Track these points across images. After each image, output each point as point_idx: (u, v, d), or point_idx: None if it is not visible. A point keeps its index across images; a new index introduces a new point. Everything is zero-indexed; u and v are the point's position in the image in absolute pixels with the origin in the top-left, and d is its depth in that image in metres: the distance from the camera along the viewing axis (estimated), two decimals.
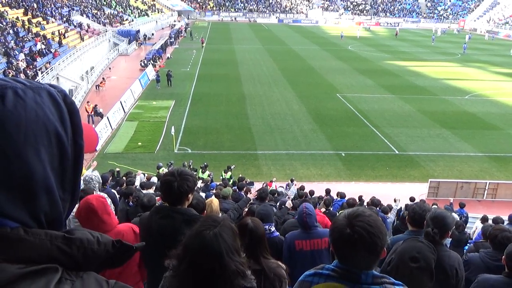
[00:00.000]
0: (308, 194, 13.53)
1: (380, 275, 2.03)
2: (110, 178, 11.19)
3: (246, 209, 7.60)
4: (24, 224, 0.85)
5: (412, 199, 14.24)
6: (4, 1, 39.62)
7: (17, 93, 0.84)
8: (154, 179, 13.47)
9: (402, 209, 12.65)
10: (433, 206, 10.37)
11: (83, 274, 0.89)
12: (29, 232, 0.84)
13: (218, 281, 1.87)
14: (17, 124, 0.82)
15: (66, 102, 0.92)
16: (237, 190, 11.59)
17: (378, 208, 11.09)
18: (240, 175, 16.28)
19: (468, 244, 9.24)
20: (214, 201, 5.07)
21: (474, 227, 12.29)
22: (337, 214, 10.02)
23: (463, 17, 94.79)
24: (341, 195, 13.57)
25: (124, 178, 12.35)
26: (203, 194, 12.72)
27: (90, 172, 9.14)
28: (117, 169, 15.96)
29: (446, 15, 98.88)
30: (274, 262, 3.01)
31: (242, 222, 3.19)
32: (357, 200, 12.51)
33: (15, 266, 0.79)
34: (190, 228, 2.05)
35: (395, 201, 13.34)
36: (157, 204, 5.55)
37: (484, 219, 11.54)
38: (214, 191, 12.68)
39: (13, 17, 36.86)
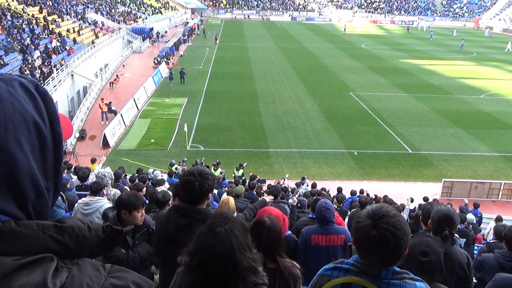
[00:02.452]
0: (323, 192, 13.56)
1: (400, 270, 2.03)
2: (123, 175, 11.30)
3: None
4: (13, 216, 0.85)
5: (425, 198, 14.13)
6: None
7: None
8: (165, 176, 13.55)
9: (416, 209, 12.57)
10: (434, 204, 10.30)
11: (78, 261, 0.89)
12: (21, 224, 0.84)
13: (230, 278, 1.87)
14: None
15: (39, 92, 0.92)
16: (249, 189, 11.59)
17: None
18: (251, 173, 16.29)
19: (481, 244, 9.15)
20: (231, 200, 5.07)
21: (488, 228, 12.14)
22: (348, 212, 9.98)
23: (479, 15, 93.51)
24: (352, 193, 13.56)
25: (136, 174, 12.45)
26: (215, 191, 12.80)
27: (102, 169, 9.23)
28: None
29: (462, 13, 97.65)
30: (289, 261, 3.01)
31: (259, 219, 3.18)
32: (369, 198, 12.46)
33: (10, 258, 0.79)
34: None
35: (409, 200, 13.22)
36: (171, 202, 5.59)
37: (498, 220, 11.40)
38: (226, 188, 12.72)
39: (29, 15, 37.30)
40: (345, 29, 72.36)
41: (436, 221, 3.59)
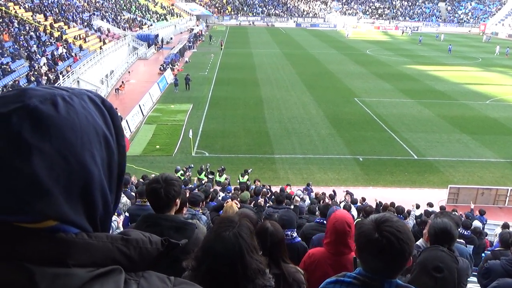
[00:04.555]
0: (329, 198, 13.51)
1: (404, 284, 1.97)
2: (131, 181, 11.31)
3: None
4: (82, 229, 0.86)
5: (430, 204, 14.03)
6: (27, 7, 40.50)
7: (65, 100, 0.85)
8: None
9: (422, 215, 12.50)
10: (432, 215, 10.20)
11: (143, 273, 0.91)
12: (92, 236, 0.85)
13: (240, 281, 1.88)
14: (73, 129, 0.83)
15: (105, 105, 0.93)
16: (254, 195, 11.59)
17: (400, 216, 10.96)
18: (256, 180, 16.26)
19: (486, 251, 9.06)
20: (234, 205, 5.07)
21: (495, 234, 12.04)
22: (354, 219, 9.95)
23: (484, 21, 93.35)
24: (353, 201, 13.50)
25: (141, 180, 12.48)
26: (222, 194, 12.79)
27: None
28: None
29: (467, 19, 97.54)
30: (293, 266, 3.00)
31: (261, 226, 3.18)
32: (374, 207, 12.40)
33: (84, 270, 0.80)
34: (179, 235, 2.05)
35: (414, 206, 13.14)
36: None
37: (505, 226, 11.31)
38: (230, 194, 12.72)
39: (36, 22, 37.60)
40: (347, 35, 73.90)
41: (432, 235, 3.49)
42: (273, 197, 12.25)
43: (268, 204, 10.22)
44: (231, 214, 4.67)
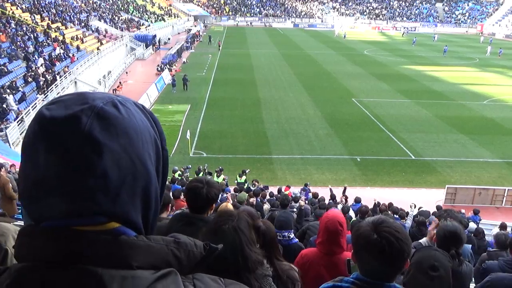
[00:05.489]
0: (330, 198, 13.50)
1: None
2: None
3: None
4: (139, 230, 0.87)
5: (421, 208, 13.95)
6: (24, 7, 40.42)
7: (121, 103, 0.87)
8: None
9: (419, 216, 12.49)
10: (431, 216, 10.14)
11: (194, 275, 0.92)
12: (151, 238, 0.86)
13: (242, 273, 1.90)
14: (135, 130, 0.85)
15: (147, 111, 0.95)
16: (253, 196, 11.57)
17: (397, 216, 10.96)
18: (254, 180, 16.23)
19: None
20: (230, 206, 5.06)
21: (492, 235, 12.03)
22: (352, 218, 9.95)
23: (481, 22, 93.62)
24: (356, 200, 13.50)
25: None
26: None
27: None
28: None
29: (464, 19, 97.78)
30: (286, 264, 3.00)
31: (254, 225, 3.19)
32: (370, 207, 12.39)
33: (148, 272, 0.82)
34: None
35: (412, 207, 13.13)
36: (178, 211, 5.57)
37: (502, 227, 11.32)
38: (226, 195, 12.67)
39: (33, 23, 37.52)
40: (344, 36, 73.22)
41: (441, 237, 3.51)
42: (275, 199, 12.28)
43: (270, 208, 10.22)
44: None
